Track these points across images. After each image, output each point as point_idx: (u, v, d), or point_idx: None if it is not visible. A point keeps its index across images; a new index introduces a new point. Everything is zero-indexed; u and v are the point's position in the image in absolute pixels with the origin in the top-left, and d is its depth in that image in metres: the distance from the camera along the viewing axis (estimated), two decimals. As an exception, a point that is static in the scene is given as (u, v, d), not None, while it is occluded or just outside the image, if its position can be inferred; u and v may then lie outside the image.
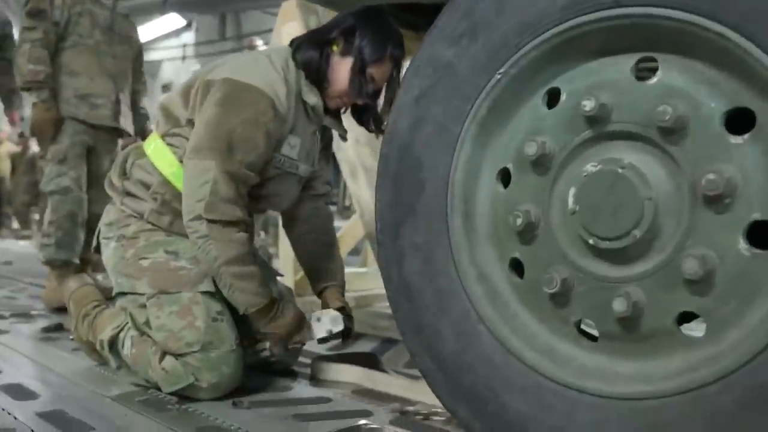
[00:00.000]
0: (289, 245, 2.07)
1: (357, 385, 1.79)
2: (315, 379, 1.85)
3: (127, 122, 3.20)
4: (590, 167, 1.09)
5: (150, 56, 10.25)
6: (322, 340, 1.76)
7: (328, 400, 1.66)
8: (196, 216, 1.53)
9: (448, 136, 1.23)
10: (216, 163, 1.52)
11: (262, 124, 1.57)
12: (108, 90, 3.06)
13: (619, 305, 1.03)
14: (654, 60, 1.06)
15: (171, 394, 1.58)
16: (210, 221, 1.52)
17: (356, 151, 2.53)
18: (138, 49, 3.32)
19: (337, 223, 2.45)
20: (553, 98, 1.18)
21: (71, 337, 2.27)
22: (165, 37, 9.73)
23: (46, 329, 2.50)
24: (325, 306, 1.83)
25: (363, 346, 2.29)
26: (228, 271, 1.55)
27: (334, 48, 1.69)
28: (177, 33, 9.56)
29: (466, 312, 1.21)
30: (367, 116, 1.79)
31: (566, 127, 1.13)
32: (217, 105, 1.57)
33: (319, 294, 1.89)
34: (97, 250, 1.82)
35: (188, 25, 9.17)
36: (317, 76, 1.68)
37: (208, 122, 1.56)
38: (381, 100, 1.78)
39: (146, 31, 9.25)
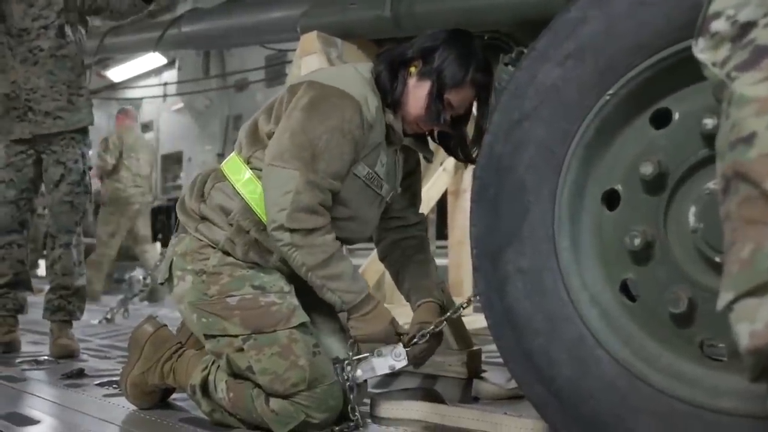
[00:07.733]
0: None
1: (424, 422, 1.73)
2: (376, 418, 1.78)
3: None
4: (713, 185, 1.09)
5: (129, 95, 10.13)
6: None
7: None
8: (279, 225, 1.50)
9: (554, 158, 1.22)
10: (300, 172, 1.48)
11: (348, 131, 1.51)
12: None
13: (758, 322, 1.01)
14: None
15: None
16: (292, 230, 1.49)
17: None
18: None
19: (357, 261, 2.39)
20: (658, 118, 1.18)
21: (97, 382, 2.18)
22: (145, 76, 9.65)
23: (67, 375, 2.37)
24: (415, 320, 1.75)
25: (407, 383, 2.23)
26: (316, 275, 1.53)
27: (412, 70, 1.62)
28: (158, 71, 9.48)
29: (582, 337, 1.18)
30: (453, 144, 1.72)
31: (682, 146, 1.13)
32: (303, 110, 1.52)
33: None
34: (165, 282, 1.70)
35: (170, 63, 9.11)
36: (393, 100, 1.60)
37: (293, 128, 1.51)
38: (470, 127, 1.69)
39: (126, 69, 9.15)
